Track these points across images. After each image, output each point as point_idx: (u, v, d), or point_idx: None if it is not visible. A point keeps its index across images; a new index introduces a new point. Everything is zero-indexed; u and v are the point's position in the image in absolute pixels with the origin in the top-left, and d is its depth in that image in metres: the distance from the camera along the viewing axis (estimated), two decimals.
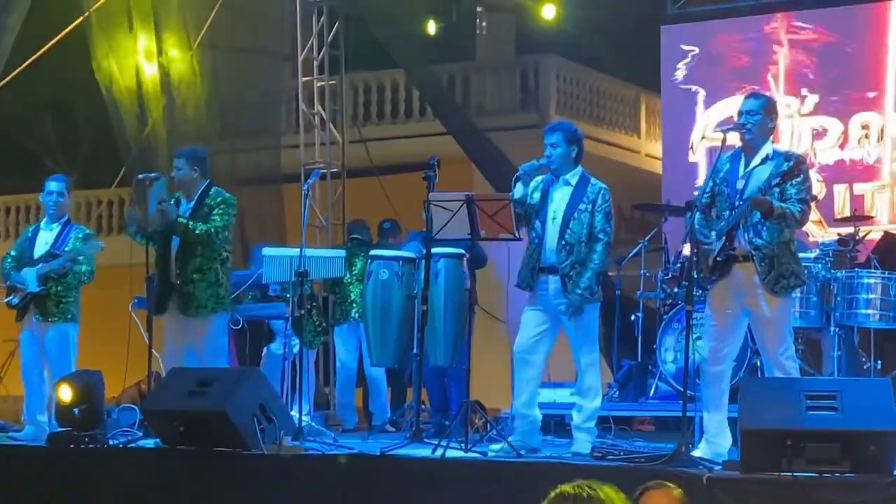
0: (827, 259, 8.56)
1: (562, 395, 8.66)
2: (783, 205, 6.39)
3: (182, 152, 8.17)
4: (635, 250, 9.97)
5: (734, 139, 6.82)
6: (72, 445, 7.63)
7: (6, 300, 8.55)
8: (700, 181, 11.71)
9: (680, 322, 8.70)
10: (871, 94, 11.39)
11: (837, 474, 5.81)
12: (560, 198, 7.12)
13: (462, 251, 7.93)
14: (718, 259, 6.55)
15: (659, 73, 12.50)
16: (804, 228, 8.70)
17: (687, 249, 7.39)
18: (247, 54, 12.92)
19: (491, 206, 7.14)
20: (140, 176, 8.04)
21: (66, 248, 8.45)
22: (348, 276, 9.56)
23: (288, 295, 8.52)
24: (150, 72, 12.20)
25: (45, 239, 8.54)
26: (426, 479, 6.67)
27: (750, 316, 6.62)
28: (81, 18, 11.86)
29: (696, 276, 6.62)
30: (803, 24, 11.71)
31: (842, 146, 11.46)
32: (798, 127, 11.62)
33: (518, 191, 7.15)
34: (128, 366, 8.77)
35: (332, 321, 9.82)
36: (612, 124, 17.67)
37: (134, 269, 8.17)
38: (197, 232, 7.81)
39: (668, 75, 12.34)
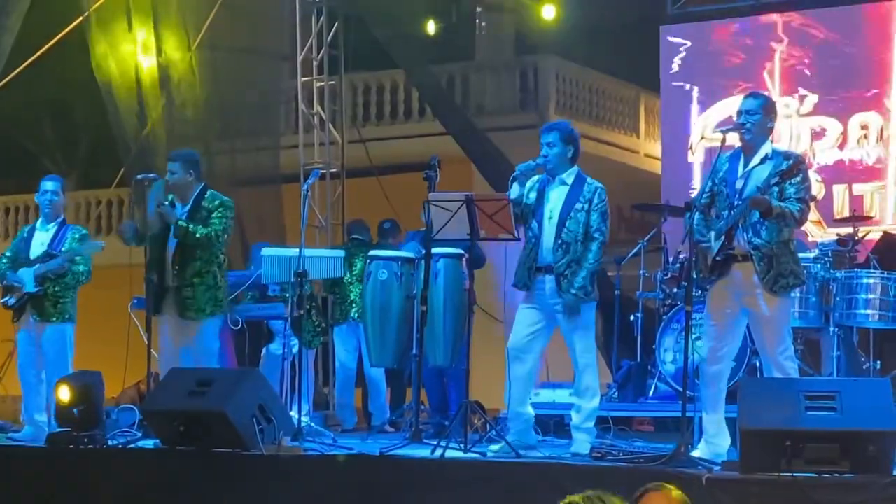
0: (826, 259, 8.56)
1: (561, 396, 8.65)
2: (782, 204, 6.39)
3: (177, 156, 8.14)
4: (634, 250, 9.96)
5: (734, 139, 6.82)
6: (71, 446, 7.63)
7: (2, 301, 8.54)
8: (695, 182, 11.74)
9: (679, 322, 8.70)
10: (870, 95, 11.38)
11: (837, 475, 5.81)
12: (556, 197, 7.13)
13: (461, 251, 7.93)
14: (717, 259, 6.56)
15: (658, 74, 12.51)
16: (803, 228, 8.70)
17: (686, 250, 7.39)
18: (246, 54, 12.91)
19: (490, 206, 7.13)
20: (139, 177, 8.04)
21: (63, 249, 8.44)
22: (348, 276, 9.55)
23: (287, 295, 8.52)
24: (150, 72, 12.19)
25: (41, 239, 8.53)
26: (425, 480, 6.67)
27: (749, 316, 6.62)
28: (81, 18, 11.85)
29: (695, 276, 6.62)
30: (802, 24, 11.71)
31: (841, 146, 11.46)
32: (797, 127, 11.62)
33: (514, 190, 7.15)
34: (127, 366, 8.77)
35: (331, 321, 9.82)
36: (612, 124, 17.67)
37: (133, 269, 8.16)
38: (198, 236, 7.81)
39: (668, 75, 12.34)
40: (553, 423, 8.46)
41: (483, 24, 18.24)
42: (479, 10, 18.26)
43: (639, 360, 9.47)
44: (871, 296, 8.43)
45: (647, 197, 12.06)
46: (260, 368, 8.99)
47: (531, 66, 16.92)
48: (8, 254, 8.66)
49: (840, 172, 11.41)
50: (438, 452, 6.80)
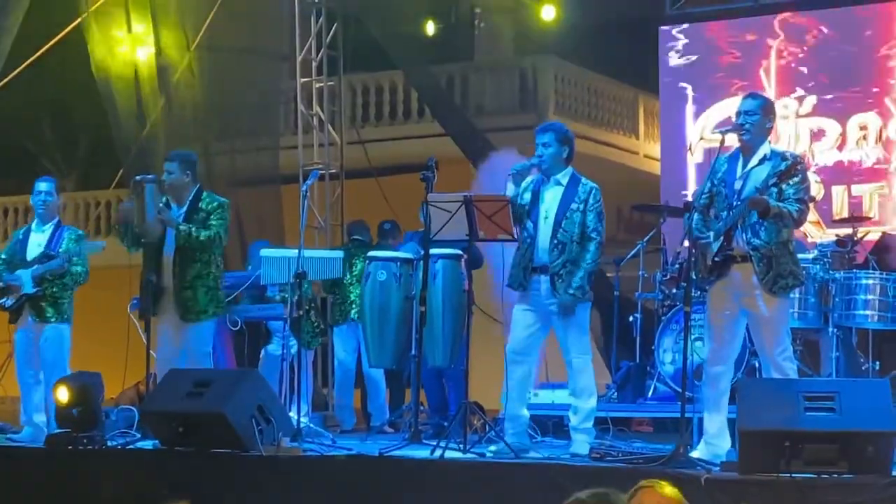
0: (825, 260, 8.56)
1: (560, 396, 8.64)
2: (780, 204, 6.40)
3: (174, 156, 8.13)
4: (634, 251, 9.96)
5: (732, 140, 6.82)
6: (70, 447, 7.63)
7: None
8: (691, 183, 11.74)
9: (678, 323, 8.70)
10: (869, 95, 11.39)
11: (835, 475, 5.81)
12: (551, 198, 7.14)
13: (460, 252, 7.93)
14: (717, 259, 6.56)
15: (657, 75, 12.50)
16: (802, 229, 8.70)
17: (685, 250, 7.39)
18: (245, 55, 12.90)
19: (489, 206, 7.13)
20: (138, 177, 8.02)
21: (61, 250, 8.44)
22: (348, 276, 9.55)
23: (286, 296, 8.51)
24: (149, 72, 12.19)
25: (37, 241, 8.53)
26: (425, 481, 6.67)
27: (748, 316, 6.63)
28: (80, 19, 11.85)
29: (694, 277, 6.62)
30: (801, 24, 11.71)
31: (840, 147, 11.46)
32: (796, 128, 11.62)
33: (509, 191, 7.16)
34: (126, 367, 8.77)
35: (330, 322, 9.81)
36: (611, 125, 17.66)
37: (132, 269, 8.16)
38: (202, 239, 7.81)
39: (666, 76, 12.34)
40: (552, 424, 8.46)
41: (482, 24, 18.23)
42: (478, 10, 18.24)
43: (638, 360, 9.47)
44: (870, 296, 8.44)
45: (646, 198, 12.05)
46: (259, 369, 8.98)
47: (530, 67, 16.90)
48: (3, 256, 8.65)
49: (839, 173, 11.41)
50: (438, 453, 6.80)
